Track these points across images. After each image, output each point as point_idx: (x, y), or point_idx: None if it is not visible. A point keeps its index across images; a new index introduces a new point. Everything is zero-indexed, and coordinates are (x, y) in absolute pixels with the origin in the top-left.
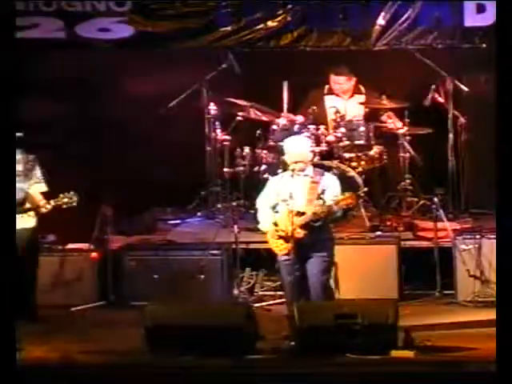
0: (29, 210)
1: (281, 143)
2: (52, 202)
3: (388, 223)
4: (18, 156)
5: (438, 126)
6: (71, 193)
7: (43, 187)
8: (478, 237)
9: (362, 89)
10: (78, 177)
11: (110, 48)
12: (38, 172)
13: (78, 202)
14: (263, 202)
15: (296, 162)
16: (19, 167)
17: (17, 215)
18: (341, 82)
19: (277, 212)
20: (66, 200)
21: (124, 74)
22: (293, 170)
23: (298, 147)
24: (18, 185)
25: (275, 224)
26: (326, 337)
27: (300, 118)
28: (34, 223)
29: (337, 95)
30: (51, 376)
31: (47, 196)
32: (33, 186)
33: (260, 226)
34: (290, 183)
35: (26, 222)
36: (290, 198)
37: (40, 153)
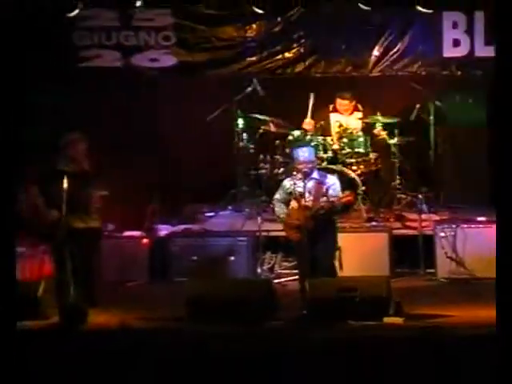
0: (94, 211)
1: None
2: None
3: (381, 215)
4: (88, 162)
5: (423, 137)
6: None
7: (105, 191)
8: (454, 226)
9: (360, 107)
10: (135, 179)
11: (158, 75)
12: (100, 176)
13: (132, 199)
14: (278, 198)
15: (304, 167)
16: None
17: (87, 216)
18: (344, 104)
19: (289, 207)
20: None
21: (169, 96)
22: (302, 173)
23: (305, 154)
24: (88, 189)
25: (289, 217)
26: (331, 307)
27: (311, 131)
28: (99, 223)
29: (340, 113)
30: (111, 338)
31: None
32: (98, 190)
33: (276, 218)
34: (301, 184)
35: (94, 222)
36: (300, 196)
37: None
